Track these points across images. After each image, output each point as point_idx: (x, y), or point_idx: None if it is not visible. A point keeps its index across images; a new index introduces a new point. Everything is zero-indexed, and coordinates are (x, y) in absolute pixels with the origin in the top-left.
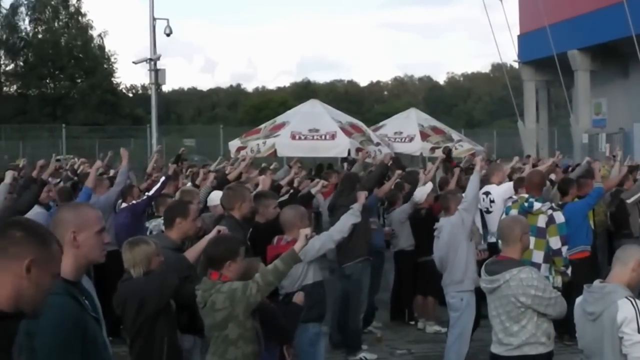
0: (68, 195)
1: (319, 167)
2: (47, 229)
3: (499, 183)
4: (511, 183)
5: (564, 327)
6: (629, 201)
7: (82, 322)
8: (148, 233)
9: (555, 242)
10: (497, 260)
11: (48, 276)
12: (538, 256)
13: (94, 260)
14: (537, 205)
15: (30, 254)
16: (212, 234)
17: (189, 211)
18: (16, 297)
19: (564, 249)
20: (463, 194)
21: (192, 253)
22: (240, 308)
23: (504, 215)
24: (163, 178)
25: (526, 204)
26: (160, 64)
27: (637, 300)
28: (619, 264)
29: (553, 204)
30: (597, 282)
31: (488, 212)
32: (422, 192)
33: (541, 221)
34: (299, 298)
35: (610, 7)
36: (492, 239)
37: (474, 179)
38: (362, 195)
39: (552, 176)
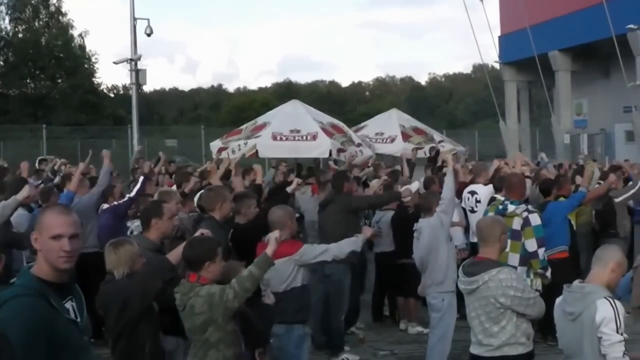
0: (49, 196)
1: (299, 167)
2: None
3: (486, 183)
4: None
5: (548, 328)
6: (617, 200)
7: (50, 324)
8: (129, 233)
9: (531, 245)
10: (475, 262)
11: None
12: (513, 259)
13: (54, 265)
14: (511, 207)
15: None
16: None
17: (163, 210)
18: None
19: (541, 252)
20: None
21: (174, 255)
22: (219, 312)
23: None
24: (142, 178)
25: (501, 207)
26: (141, 64)
27: (615, 301)
28: (599, 265)
29: (529, 206)
30: (576, 283)
31: (473, 211)
32: (411, 188)
33: (516, 224)
34: (270, 299)
35: (590, 9)
36: (475, 239)
37: (448, 180)
38: (368, 231)
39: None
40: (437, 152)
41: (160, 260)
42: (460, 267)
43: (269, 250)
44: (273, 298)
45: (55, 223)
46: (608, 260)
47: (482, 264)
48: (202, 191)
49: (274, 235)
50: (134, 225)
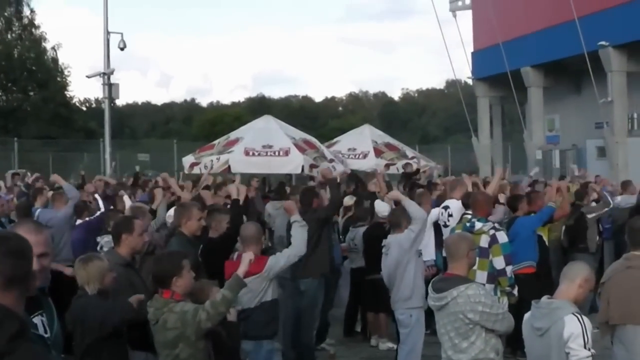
0: (25, 210)
1: (263, 182)
2: None
3: (459, 198)
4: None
5: (517, 343)
6: (589, 216)
7: None
8: (99, 248)
9: (499, 262)
10: (444, 278)
11: None
12: (481, 276)
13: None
14: (478, 225)
15: None
16: None
17: (134, 226)
18: None
19: (509, 269)
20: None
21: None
22: (191, 330)
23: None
24: (97, 196)
25: (468, 224)
26: (114, 78)
27: (583, 317)
28: (566, 281)
29: (496, 224)
30: (544, 298)
31: (445, 226)
32: (385, 207)
33: (483, 241)
34: (232, 316)
35: (562, 25)
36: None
37: (409, 204)
38: (291, 206)
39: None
40: (417, 171)
41: (124, 302)
42: (430, 284)
43: (240, 271)
44: (235, 315)
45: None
46: (575, 276)
47: (451, 280)
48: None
49: (248, 257)
50: (104, 240)
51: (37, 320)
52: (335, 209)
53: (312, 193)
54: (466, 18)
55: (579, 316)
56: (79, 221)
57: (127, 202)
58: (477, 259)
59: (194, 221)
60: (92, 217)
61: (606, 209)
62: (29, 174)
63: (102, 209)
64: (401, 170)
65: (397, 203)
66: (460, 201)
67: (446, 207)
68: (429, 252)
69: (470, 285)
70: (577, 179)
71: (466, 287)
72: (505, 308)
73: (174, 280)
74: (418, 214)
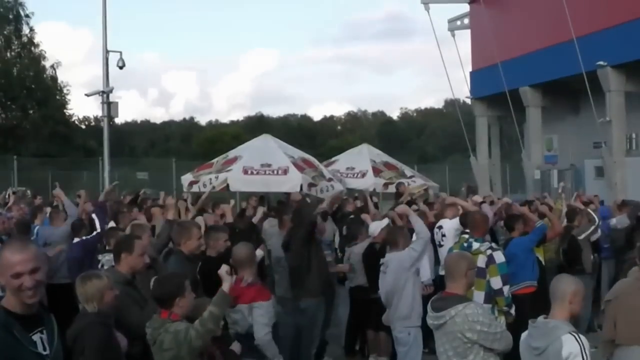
0: (24, 228)
1: (261, 200)
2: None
3: (453, 217)
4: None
5: None
6: (579, 238)
7: (10, 356)
8: (100, 266)
9: (496, 282)
10: (442, 297)
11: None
12: (479, 296)
13: (22, 301)
14: (475, 245)
15: None
16: None
17: (134, 246)
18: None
19: (506, 289)
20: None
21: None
22: (184, 350)
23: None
24: (93, 215)
25: (465, 244)
26: (113, 96)
27: (580, 335)
28: (557, 301)
29: (493, 244)
30: (541, 318)
31: (440, 245)
32: (377, 226)
33: (481, 261)
34: (236, 347)
35: (561, 45)
36: (442, 272)
37: (415, 221)
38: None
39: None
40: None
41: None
42: (429, 303)
43: (225, 287)
44: (239, 347)
45: (14, 262)
46: (564, 294)
47: (449, 299)
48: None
49: (224, 269)
50: (105, 259)
51: (36, 337)
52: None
53: (304, 212)
54: (465, 38)
55: (576, 335)
56: (76, 239)
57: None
58: (475, 279)
59: (194, 241)
60: (89, 236)
61: (593, 227)
62: (28, 192)
63: (99, 229)
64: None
65: (393, 222)
66: (452, 220)
67: (440, 227)
68: (425, 272)
69: (469, 305)
70: (560, 195)
71: (464, 306)
72: (503, 327)
73: (176, 300)
74: (423, 233)
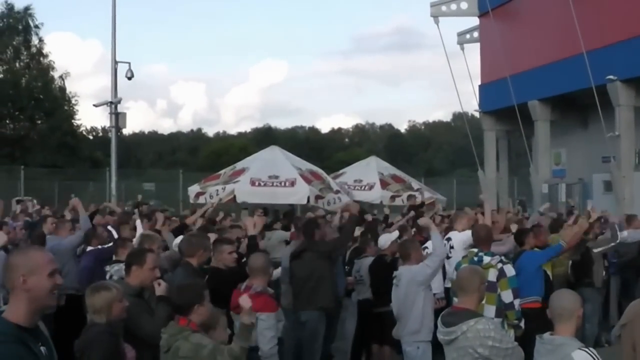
0: (40, 240)
1: (265, 211)
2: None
3: (462, 230)
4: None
5: None
6: (595, 251)
7: None
8: (108, 277)
9: (507, 296)
10: (452, 312)
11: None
12: (490, 311)
13: (46, 304)
14: (486, 259)
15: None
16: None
17: (146, 260)
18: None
19: (516, 302)
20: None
21: None
22: None
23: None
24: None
25: (475, 258)
26: (121, 107)
27: (590, 348)
28: (564, 319)
29: (503, 258)
30: (547, 335)
31: (447, 257)
32: (387, 239)
33: (492, 275)
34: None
35: (570, 59)
36: (449, 285)
37: (435, 236)
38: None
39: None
40: (422, 203)
41: None
42: (440, 317)
43: (247, 320)
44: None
45: (48, 259)
46: (571, 313)
47: (460, 314)
48: (184, 235)
49: (245, 302)
50: (114, 269)
51: (43, 350)
52: (342, 245)
53: (313, 224)
54: (474, 51)
55: (586, 350)
56: (89, 248)
57: (139, 228)
58: (485, 293)
59: (207, 253)
60: (104, 246)
61: (613, 244)
62: (34, 201)
63: (114, 239)
64: (406, 202)
65: (400, 235)
66: (462, 233)
67: (448, 239)
68: (436, 285)
69: (480, 320)
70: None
71: (475, 322)
72: (514, 343)
73: (195, 308)
74: (440, 249)
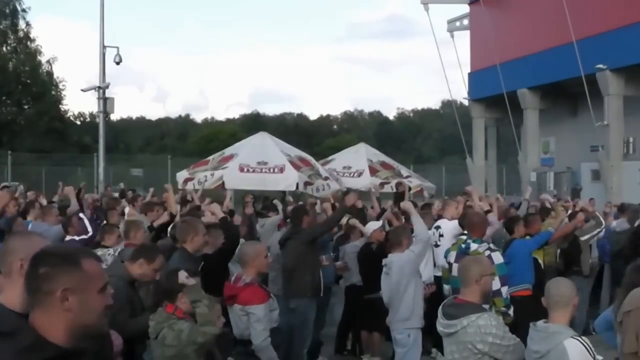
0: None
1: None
2: (69, 249)
3: (452, 218)
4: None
5: None
6: (582, 238)
7: None
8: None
9: (494, 283)
10: (455, 303)
11: (92, 295)
12: None
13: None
14: (473, 246)
15: (61, 284)
16: None
17: (155, 259)
18: (68, 331)
19: (504, 290)
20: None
21: None
22: (190, 349)
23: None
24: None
25: (463, 246)
26: (110, 92)
27: (583, 337)
28: (560, 306)
29: (491, 245)
30: (541, 322)
31: (436, 245)
32: (372, 226)
33: None
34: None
35: (560, 47)
36: (438, 273)
37: (417, 221)
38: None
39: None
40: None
41: None
42: (440, 307)
43: (201, 308)
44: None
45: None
46: (569, 301)
47: (462, 307)
48: (176, 221)
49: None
50: (99, 253)
51: None
52: (327, 229)
53: (302, 211)
54: (464, 39)
55: (579, 339)
56: (67, 237)
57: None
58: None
59: (200, 237)
60: (81, 238)
61: (598, 230)
62: (21, 186)
63: (90, 232)
64: (394, 190)
65: (390, 223)
66: (450, 221)
67: (437, 227)
68: (426, 272)
69: (482, 315)
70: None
71: (477, 317)
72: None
73: (179, 296)
74: (422, 234)
